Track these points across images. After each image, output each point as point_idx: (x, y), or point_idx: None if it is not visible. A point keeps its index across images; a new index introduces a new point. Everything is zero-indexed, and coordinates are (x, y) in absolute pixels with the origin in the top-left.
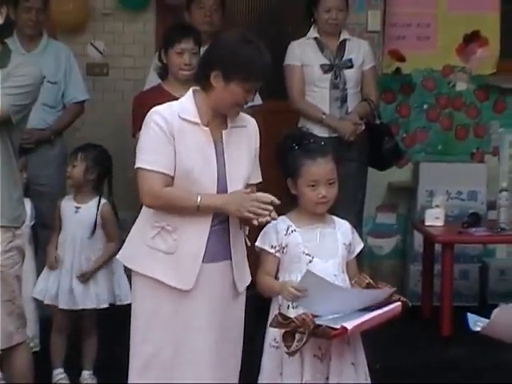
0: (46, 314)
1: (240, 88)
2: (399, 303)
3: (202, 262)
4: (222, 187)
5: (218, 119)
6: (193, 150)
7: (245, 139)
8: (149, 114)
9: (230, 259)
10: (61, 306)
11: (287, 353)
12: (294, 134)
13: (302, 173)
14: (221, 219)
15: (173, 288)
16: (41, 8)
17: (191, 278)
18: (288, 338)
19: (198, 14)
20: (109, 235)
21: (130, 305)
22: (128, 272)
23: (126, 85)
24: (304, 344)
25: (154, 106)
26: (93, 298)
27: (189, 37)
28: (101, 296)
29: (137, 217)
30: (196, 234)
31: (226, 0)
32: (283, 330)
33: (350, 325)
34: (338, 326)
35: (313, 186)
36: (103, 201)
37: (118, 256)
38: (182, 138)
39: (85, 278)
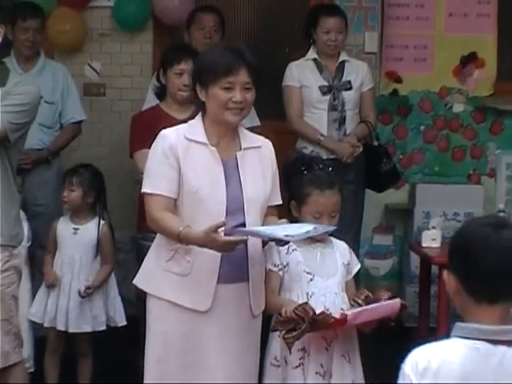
0: (39, 335)
1: (217, 88)
2: (398, 300)
3: (217, 283)
4: (234, 209)
5: (229, 140)
6: (200, 171)
7: (259, 160)
8: (156, 137)
9: (248, 281)
10: (59, 328)
11: (288, 343)
12: (305, 158)
13: (309, 202)
14: None
15: (187, 309)
16: (38, 28)
17: (208, 299)
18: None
19: (198, 35)
20: (105, 257)
21: (124, 327)
22: (122, 294)
23: (123, 105)
24: (305, 332)
25: (152, 126)
26: (89, 320)
27: (188, 58)
28: (98, 318)
29: (132, 236)
30: (210, 255)
31: (225, 21)
32: (283, 332)
33: (349, 312)
34: (338, 316)
35: (317, 217)
36: (102, 222)
37: (134, 281)
38: (189, 159)
39: (88, 292)
